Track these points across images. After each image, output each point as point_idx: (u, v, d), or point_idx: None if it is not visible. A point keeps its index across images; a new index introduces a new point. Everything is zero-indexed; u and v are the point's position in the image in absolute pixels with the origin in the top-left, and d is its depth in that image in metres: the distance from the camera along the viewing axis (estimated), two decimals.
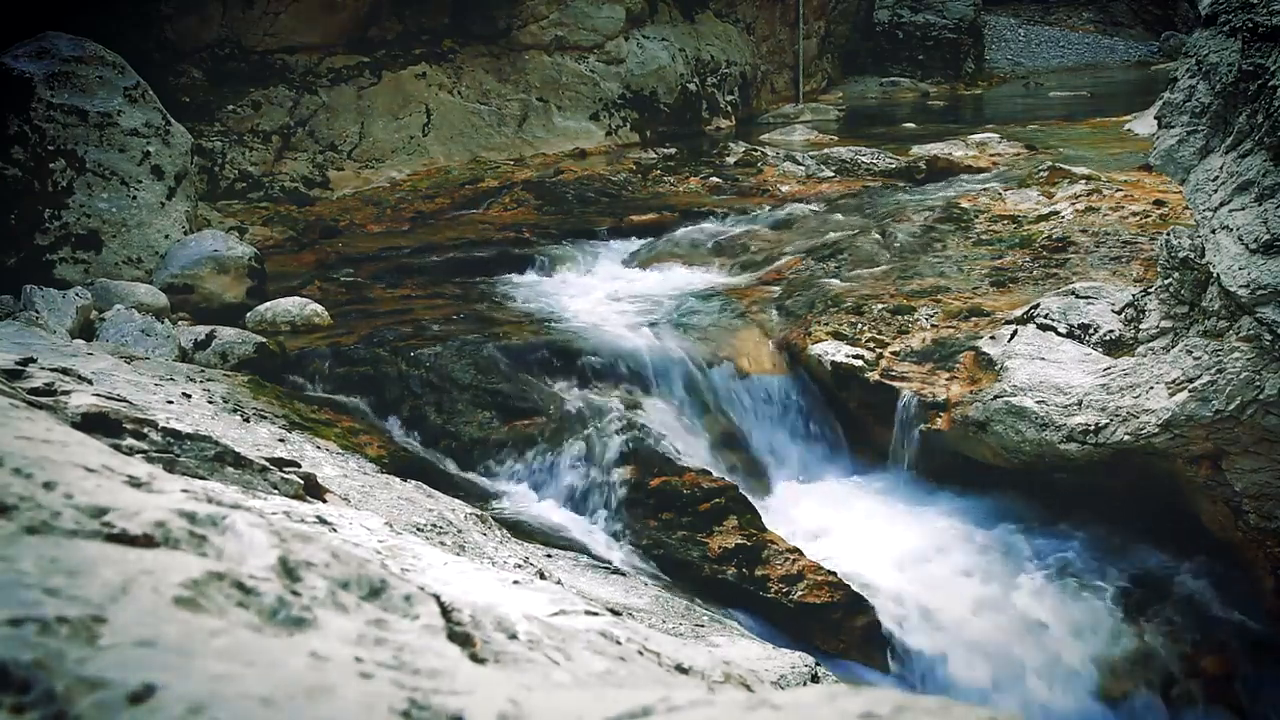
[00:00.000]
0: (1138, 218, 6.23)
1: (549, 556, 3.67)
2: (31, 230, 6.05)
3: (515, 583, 1.59)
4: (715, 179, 8.92)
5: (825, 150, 9.61)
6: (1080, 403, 4.26)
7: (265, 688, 0.69)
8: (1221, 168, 3.86)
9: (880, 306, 5.48)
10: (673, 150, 10.34)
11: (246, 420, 3.97)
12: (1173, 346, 4.17)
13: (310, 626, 0.85)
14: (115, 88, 6.42)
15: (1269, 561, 3.95)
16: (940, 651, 3.98)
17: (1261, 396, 3.69)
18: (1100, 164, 8.05)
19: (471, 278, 6.68)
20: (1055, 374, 4.46)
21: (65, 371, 2.17)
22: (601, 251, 7.26)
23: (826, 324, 5.40)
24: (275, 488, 1.94)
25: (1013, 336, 4.83)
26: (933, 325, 5.26)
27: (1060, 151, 9.12)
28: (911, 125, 12.02)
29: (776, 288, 6.23)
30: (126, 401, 2.09)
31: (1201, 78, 4.00)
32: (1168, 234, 4.40)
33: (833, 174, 8.89)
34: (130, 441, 1.71)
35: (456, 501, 3.80)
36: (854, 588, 4.10)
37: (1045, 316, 4.85)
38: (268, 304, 5.86)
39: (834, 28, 15.18)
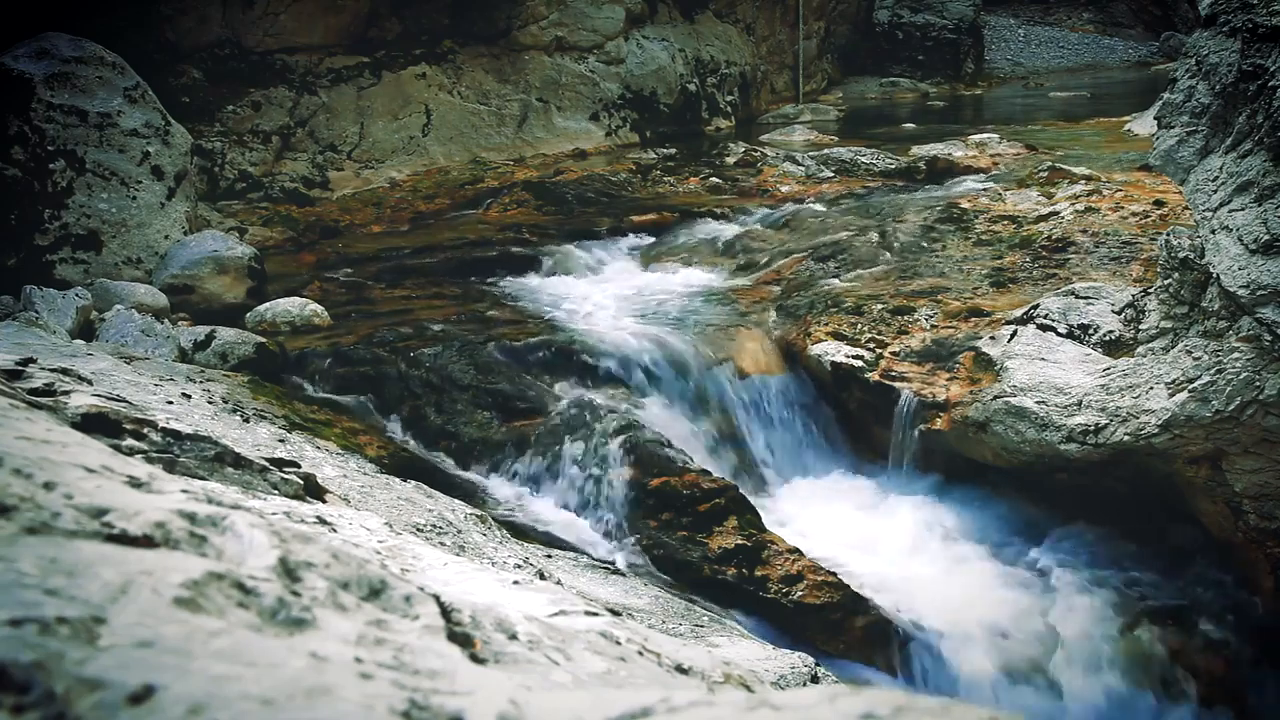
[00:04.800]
0: (1138, 218, 6.23)
1: (549, 557, 3.67)
2: (31, 230, 6.05)
3: (515, 583, 1.59)
4: (715, 179, 8.92)
5: (825, 150, 9.61)
6: (1080, 403, 4.26)
7: (265, 688, 0.69)
8: (1221, 168, 3.86)
9: (880, 307, 5.48)
10: (673, 150, 10.34)
11: (246, 420, 3.97)
12: (1173, 347, 4.17)
13: (310, 627, 0.85)
14: (115, 88, 6.42)
15: (1269, 561, 3.95)
16: (940, 651, 3.98)
17: (1261, 397, 3.69)
18: (1100, 164, 8.05)
19: (471, 278, 6.68)
20: (1055, 374, 4.46)
21: (65, 372, 2.17)
22: (601, 252, 7.26)
23: (826, 324, 5.40)
24: (275, 488, 1.94)
25: (1013, 337, 4.83)
26: (932, 325, 5.26)
27: (1060, 152, 9.11)
28: (911, 126, 12.02)
29: (776, 288, 6.23)
30: (126, 402, 2.09)
31: (1201, 78, 4.00)
32: (1168, 234, 4.40)
33: (832, 174, 8.89)
34: (130, 442, 1.71)
35: (456, 502, 3.80)
36: (854, 588, 4.10)
37: (1045, 317, 4.85)
38: (268, 304, 5.86)
39: (834, 28, 15.18)
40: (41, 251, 6.05)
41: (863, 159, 9.16)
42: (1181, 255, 4.21)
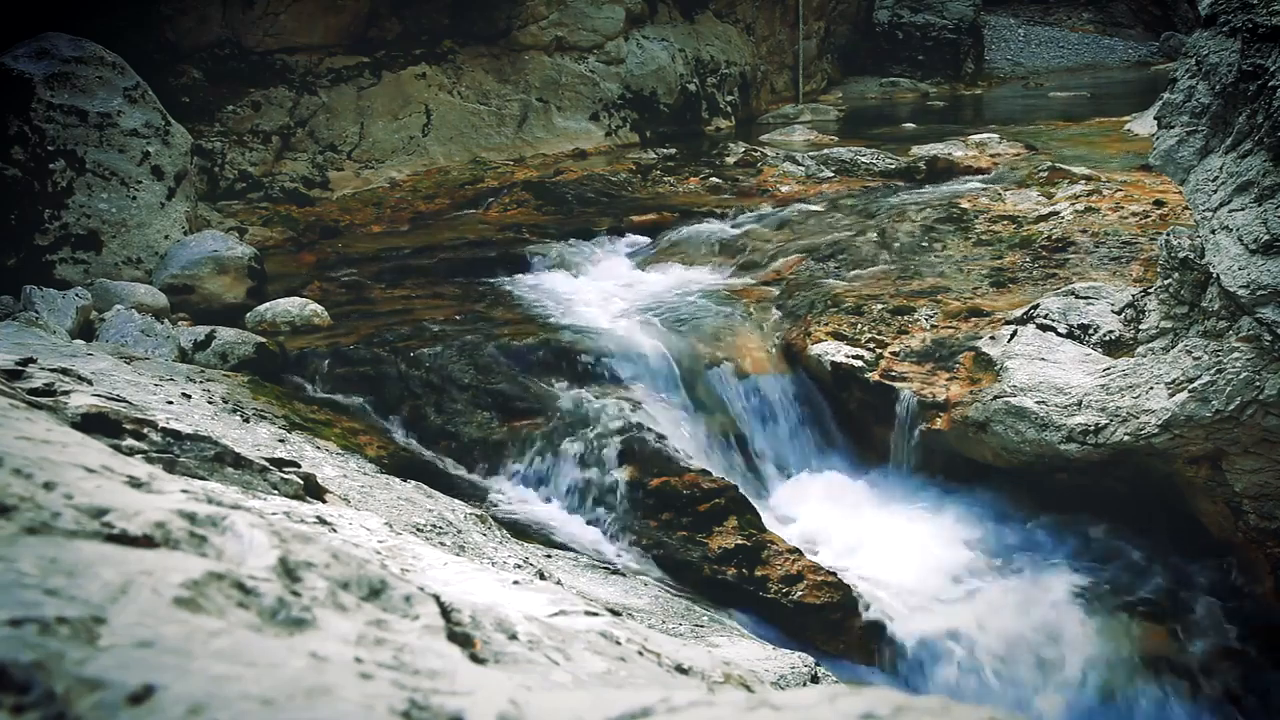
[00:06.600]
0: (1138, 218, 6.23)
1: (549, 557, 3.67)
2: (31, 230, 6.05)
3: (515, 583, 1.59)
4: (715, 179, 8.92)
5: (825, 150, 9.60)
6: (1080, 403, 4.26)
7: (265, 688, 0.69)
8: (1221, 168, 3.86)
9: (880, 307, 5.48)
10: (672, 150, 10.34)
11: (246, 420, 3.97)
12: (1173, 347, 4.17)
13: (310, 627, 0.85)
14: (115, 88, 6.42)
15: (1269, 561, 3.95)
16: (940, 651, 3.98)
17: (1261, 397, 3.69)
18: (1100, 164, 8.05)
19: (471, 278, 6.68)
20: (1055, 374, 4.46)
21: (65, 372, 2.17)
22: (601, 252, 7.26)
23: (826, 324, 5.40)
24: (275, 488, 1.94)
25: (1013, 337, 4.83)
26: (932, 325, 5.26)
27: (1060, 151, 9.11)
28: (911, 125, 12.01)
29: (776, 288, 6.23)
30: (126, 402, 2.09)
31: (1201, 78, 4.00)
32: (1168, 234, 4.40)
33: (833, 174, 8.88)
34: (130, 442, 1.71)
35: (456, 502, 3.80)
36: (853, 588, 4.10)
37: (1045, 317, 4.85)
38: (267, 304, 5.86)
39: (834, 28, 15.17)
40: (41, 251, 6.05)
41: (863, 159, 9.16)
42: (1181, 255, 4.21)
